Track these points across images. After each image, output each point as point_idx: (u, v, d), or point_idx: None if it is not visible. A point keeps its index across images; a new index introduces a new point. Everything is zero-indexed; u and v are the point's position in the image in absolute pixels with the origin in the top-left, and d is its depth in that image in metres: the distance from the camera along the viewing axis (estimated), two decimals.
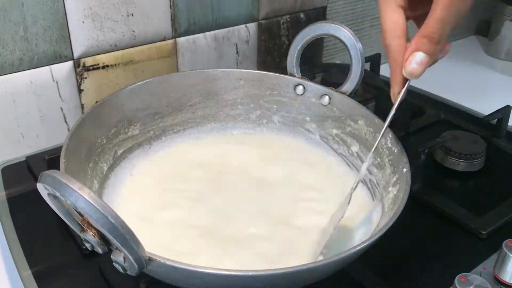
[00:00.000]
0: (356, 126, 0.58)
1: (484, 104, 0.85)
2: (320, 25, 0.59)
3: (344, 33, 0.57)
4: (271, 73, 0.64)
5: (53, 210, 0.57)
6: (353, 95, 0.60)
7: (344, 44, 0.57)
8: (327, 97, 0.61)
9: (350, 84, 0.59)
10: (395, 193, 0.48)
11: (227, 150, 0.63)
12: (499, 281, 0.49)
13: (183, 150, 0.62)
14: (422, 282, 0.50)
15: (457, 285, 0.45)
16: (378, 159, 0.54)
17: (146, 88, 0.60)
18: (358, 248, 0.38)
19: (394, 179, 0.50)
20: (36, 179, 0.63)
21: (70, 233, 0.54)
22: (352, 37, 0.57)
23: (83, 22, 0.67)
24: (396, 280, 0.50)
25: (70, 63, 0.69)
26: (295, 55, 0.62)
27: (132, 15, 0.71)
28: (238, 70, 0.65)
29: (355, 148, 0.59)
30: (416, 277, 0.51)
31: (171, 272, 0.37)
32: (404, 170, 0.48)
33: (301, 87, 0.62)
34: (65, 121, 0.72)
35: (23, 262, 0.51)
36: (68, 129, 0.72)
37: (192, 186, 0.56)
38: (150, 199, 0.54)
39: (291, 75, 0.63)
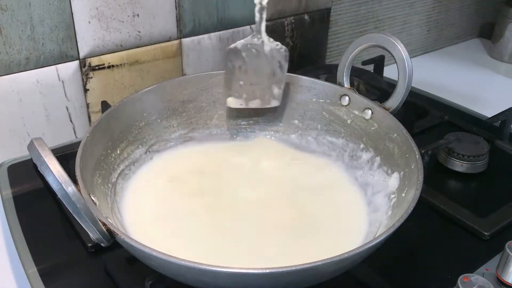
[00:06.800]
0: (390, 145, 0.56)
1: (487, 106, 0.86)
2: (376, 35, 0.58)
3: (398, 49, 0.55)
4: (318, 81, 0.63)
5: (59, 208, 0.58)
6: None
7: (394, 59, 0.56)
8: (369, 111, 0.59)
9: (393, 100, 0.57)
10: (404, 195, 0.49)
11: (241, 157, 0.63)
12: (501, 282, 0.49)
13: (189, 156, 0.62)
14: (424, 282, 0.51)
15: (460, 286, 0.45)
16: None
17: (153, 93, 0.60)
18: (366, 247, 0.38)
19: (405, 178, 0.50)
20: (41, 178, 0.63)
21: (75, 231, 0.54)
22: (404, 55, 0.55)
23: (89, 22, 0.68)
24: (398, 280, 0.50)
25: (76, 62, 0.69)
26: (347, 64, 0.61)
27: (138, 15, 0.72)
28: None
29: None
30: (419, 277, 0.51)
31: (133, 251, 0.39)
32: (412, 166, 0.48)
33: (347, 98, 0.61)
34: (71, 121, 0.72)
35: (29, 260, 0.51)
36: (74, 129, 0.73)
37: (200, 191, 0.57)
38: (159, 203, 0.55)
39: (339, 84, 0.62)
